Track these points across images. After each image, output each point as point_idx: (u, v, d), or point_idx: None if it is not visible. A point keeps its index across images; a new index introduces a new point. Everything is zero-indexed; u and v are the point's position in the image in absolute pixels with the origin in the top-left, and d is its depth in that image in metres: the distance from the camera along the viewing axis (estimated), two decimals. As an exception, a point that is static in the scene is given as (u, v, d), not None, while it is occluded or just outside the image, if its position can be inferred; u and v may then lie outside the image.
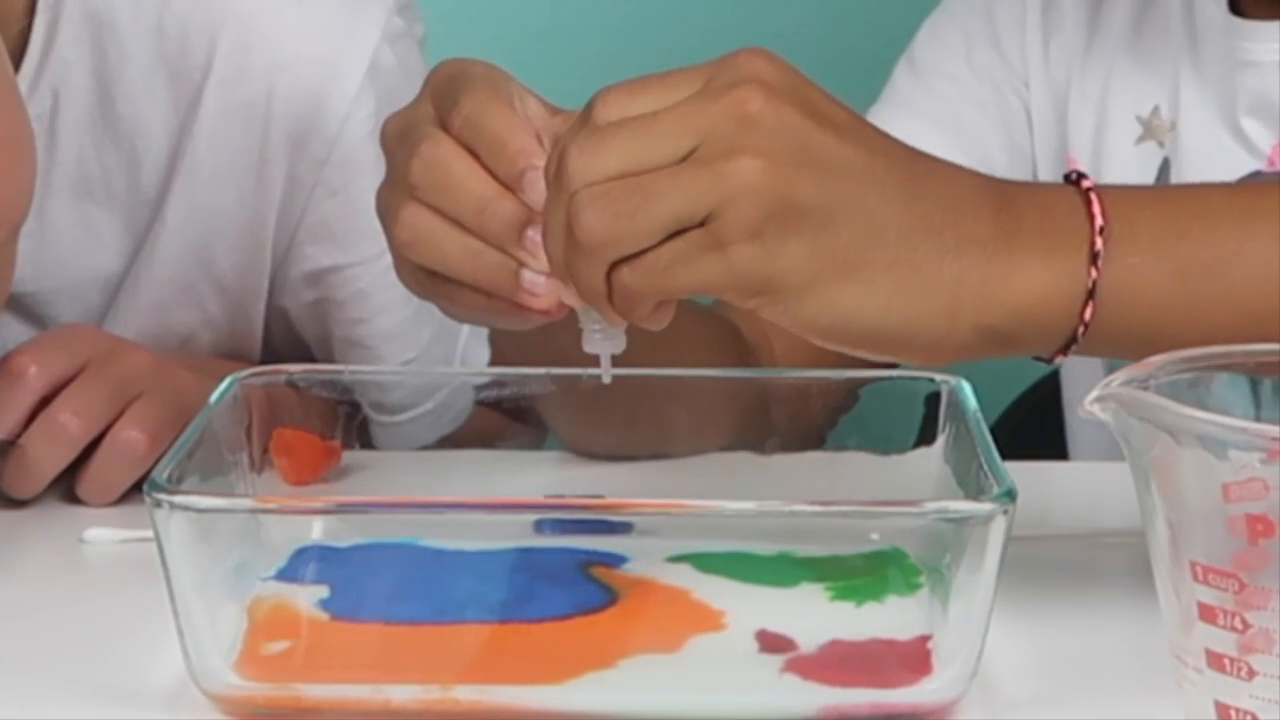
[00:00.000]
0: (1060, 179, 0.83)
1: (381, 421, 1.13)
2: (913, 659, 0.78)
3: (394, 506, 0.79)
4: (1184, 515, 0.67)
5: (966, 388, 0.85)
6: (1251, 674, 0.66)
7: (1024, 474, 0.78)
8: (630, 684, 0.76)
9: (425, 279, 0.81)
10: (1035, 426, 1.39)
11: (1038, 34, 1.21)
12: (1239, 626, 0.66)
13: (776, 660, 0.77)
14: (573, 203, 0.74)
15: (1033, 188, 0.83)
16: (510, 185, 0.78)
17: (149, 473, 0.76)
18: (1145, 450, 0.68)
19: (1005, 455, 0.78)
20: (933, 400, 0.87)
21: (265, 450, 0.89)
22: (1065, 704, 0.77)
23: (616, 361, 0.86)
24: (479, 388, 0.99)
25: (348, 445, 0.93)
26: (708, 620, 0.81)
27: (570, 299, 0.78)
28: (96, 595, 0.88)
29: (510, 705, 0.75)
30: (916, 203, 0.77)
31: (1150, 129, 1.17)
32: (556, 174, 0.75)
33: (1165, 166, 1.17)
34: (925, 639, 0.78)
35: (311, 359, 1.18)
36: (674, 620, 0.81)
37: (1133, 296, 0.79)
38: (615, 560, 0.85)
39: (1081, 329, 0.79)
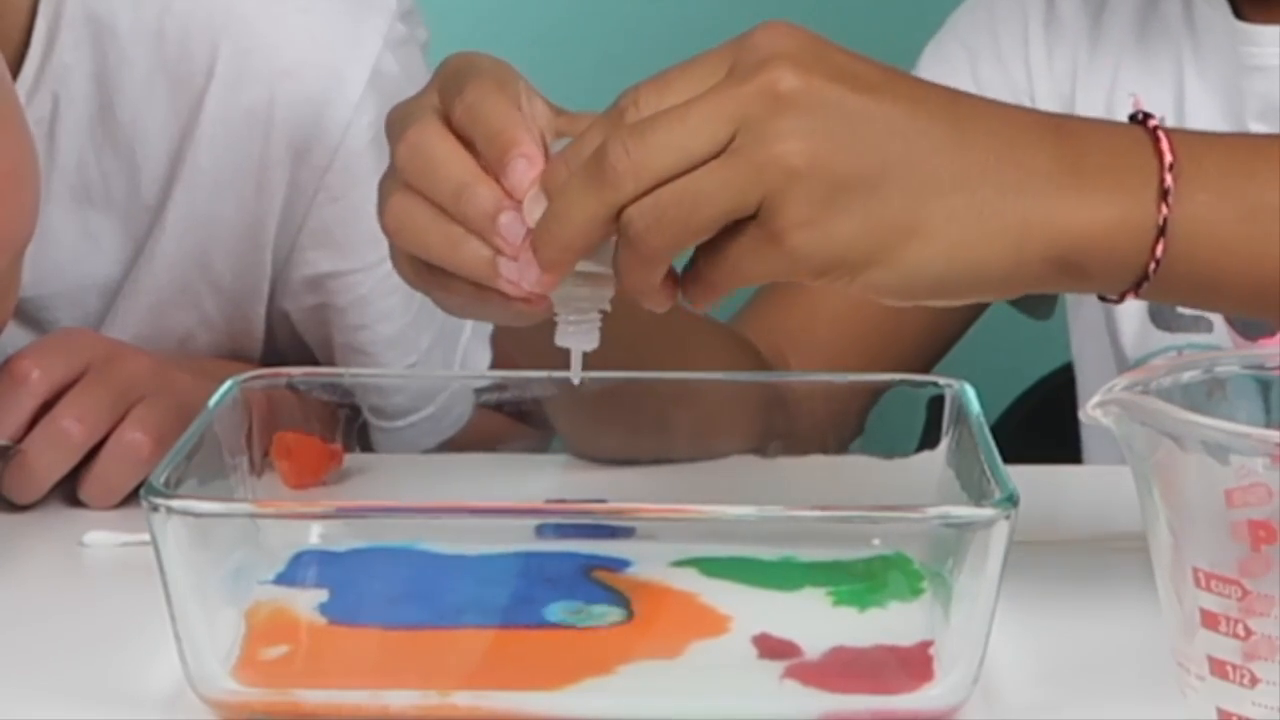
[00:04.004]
0: None
1: (381, 427, 1.13)
2: (914, 664, 0.77)
3: (392, 511, 0.78)
4: (1186, 521, 0.67)
5: (970, 391, 0.85)
6: (1254, 681, 0.66)
7: (1030, 478, 0.77)
8: (629, 690, 0.76)
9: (420, 268, 0.81)
10: (1035, 427, 1.39)
11: (1041, 47, 1.20)
12: (1241, 633, 0.65)
13: (777, 666, 0.77)
14: (625, 217, 0.74)
15: (1094, 123, 0.82)
16: (498, 173, 0.78)
17: (151, 475, 0.76)
18: (1148, 455, 0.67)
19: (1006, 456, 0.78)
20: (936, 404, 0.87)
21: (266, 453, 0.88)
22: (1067, 710, 0.77)
23: (622, 365, 0.86)
24: (480, 391, 0.99)
25: (349, 448, 0.93)
26: (714, 625, 0.80)
27: (554, 288, 0.78)
28: (96, 599, 0.88)
29: (508, 711, 0.74)
30: (968, 147, 0.76)
31: (1158, 136, 1.16)
32: (595, 167, 0.74)
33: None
34: (927, 644, 0.78)
35: (315, 361, 1.17)
36: (680, 625, 0.81)
37: (1202, 235, 0.78)
38: (619, 564, 0.85)
39: (1153, 265, 0.78)
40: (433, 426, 1.15)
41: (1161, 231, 0.77)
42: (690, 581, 0.84)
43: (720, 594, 0.83)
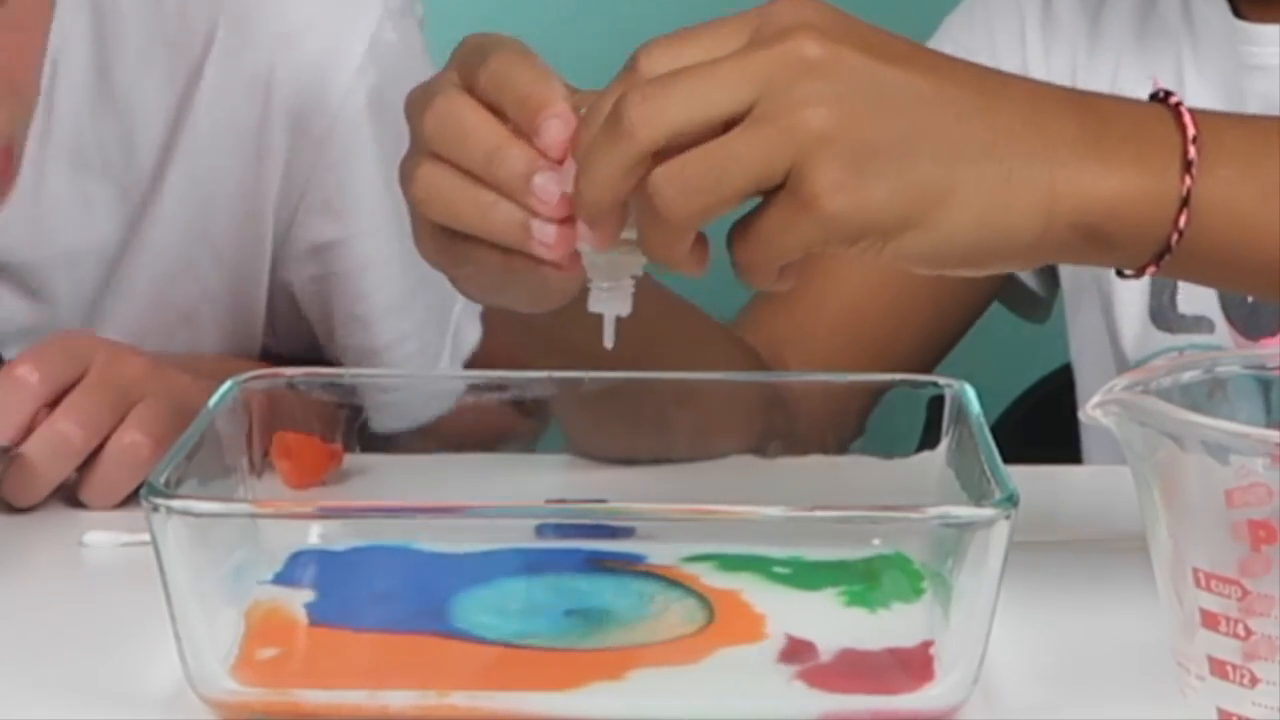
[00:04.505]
0: None
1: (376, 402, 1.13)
2: (915, 665, 0.77)
3: (391, 511, 0.78)
4: (1186, 521, 0.67)
5: (970, 391, 0.85)
6: (1254, 681, 0.66)
7: (1031, 478, 0.77)
8: (633, 691, 0.76)
9: (444, 242, 0.81)
10: (1035, 427, 1.39)
11: (1039, 47, 1.20)
12: (1241, 633, 0.65)
13: (791, 669, 0.77)
14: (650, 181, 0.74)
15: (1116, 97, 0.83)
16: (529, 135, 0.77)
17: (151, 476, 0.76)
18: (1148, 455, 0.67)
19: (1006, 456, 0.78)
20: (936, 404, 0.87)
21: (266, 453, 0.88)
22: (1067, 710, 0.77)
23: (622, 365, 0.86)
24: (480, 390, 0.99)
25: (349, 448, 0.93)
26: (754, 625, 0.80)
27: (585, 249, 0.78)
28: (96, 598, 0.88)
29: (508, 712, 0.74)
30: (994, 115, 0.77)
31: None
32: (613, 123, 0.74)
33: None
34: (928, 644, 0.78)
35: (314, 340, 1.17)
36: (730, 626, 0.80)
37: (1224, 210, 0.79)
38: (632, 560, 0.84)
39: (1176, 237, 0.78)
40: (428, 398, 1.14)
41: (1185, 202, 0.78)
42: (714, 578, 0.84)
43: (754, 593, 0.83)
